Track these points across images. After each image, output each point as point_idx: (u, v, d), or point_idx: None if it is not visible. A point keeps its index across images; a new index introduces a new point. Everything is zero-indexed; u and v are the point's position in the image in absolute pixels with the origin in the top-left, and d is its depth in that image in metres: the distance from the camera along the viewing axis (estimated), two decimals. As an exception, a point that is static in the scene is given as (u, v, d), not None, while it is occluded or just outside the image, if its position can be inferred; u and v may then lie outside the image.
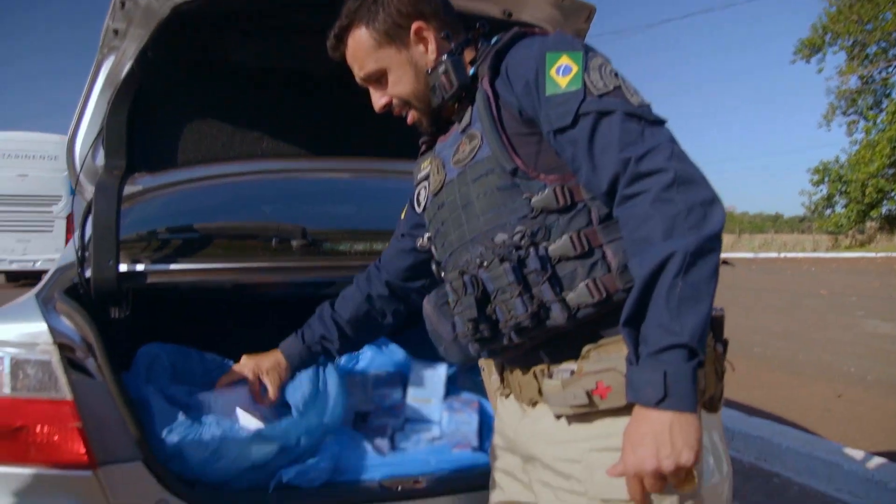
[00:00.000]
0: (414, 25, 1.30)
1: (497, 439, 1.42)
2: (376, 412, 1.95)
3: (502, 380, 1.36)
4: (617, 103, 1.10)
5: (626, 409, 1.08)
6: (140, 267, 1.86)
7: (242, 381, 2.04)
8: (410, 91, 1.33)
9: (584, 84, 1.12)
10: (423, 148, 1.44)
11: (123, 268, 1.83)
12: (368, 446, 1.74)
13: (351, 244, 2.08)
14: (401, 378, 2.01)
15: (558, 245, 1.14)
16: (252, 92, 2.16)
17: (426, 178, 1.37)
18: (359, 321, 1.72)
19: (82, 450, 1.46)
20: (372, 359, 2.04)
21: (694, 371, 0.99)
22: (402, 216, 1.65)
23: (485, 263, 1.18)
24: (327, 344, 1.74)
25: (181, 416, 1.65)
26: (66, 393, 1.47)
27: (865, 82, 27.79)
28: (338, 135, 2.24)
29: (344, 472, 1.65)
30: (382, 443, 1.77)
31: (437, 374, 1.96)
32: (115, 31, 1.81)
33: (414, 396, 1.96)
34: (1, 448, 1.46)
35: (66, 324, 1.54)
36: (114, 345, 1.80)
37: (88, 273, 1.78)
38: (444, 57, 1.28)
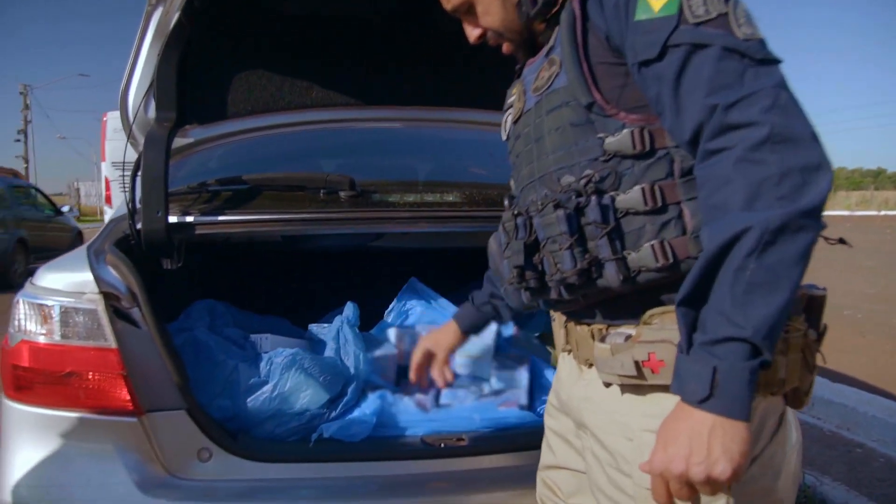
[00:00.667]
0: None
1: (552, 398, 1.31)
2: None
3: (566, 334, 1.22)
4: (716, 35, 0.90)
5: None
6: (190, 218, 1.86)
7: (294, 329, 2.06)
8: (500, 21, 1.19)
9: (681, 9, 0.92)
10: (517, 73, 1.27)
11: (173, 219, 1.83)
12: (412, 402, 1.70)
13: (401, 195, 2.01)
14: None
15: (628, 196, 0.98)
16: (301, 40, 2.11)
17: (511, 105, 1.22)
18: None
19: (127, 396, 1.49)
20: (422, 314, 2.00)
21: (752, 372, 0.83)
22: None
23: (540, 207, 1.05)
24: (496, 301, 1.51)
25: (234, 354, 1.69)
26: (111, 341, 1.50)
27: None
28: (389, 83, 2.17)
29: (386, 428, 1.63)
30: (427, 399, 1.73)
31: (488, 331, 1.88)
32: (162, -19, 1.79)
33: (463, 352, 1.90)
34: (51, 392, 1.50)
35: (112, 274, 1.56)
36: (166, 296, 1.84)
37: (139, 225, 1.80)
38: None
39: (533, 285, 1.09)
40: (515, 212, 1.11)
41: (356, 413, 1.62)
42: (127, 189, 1.85)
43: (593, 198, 0.99)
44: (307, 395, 1.60)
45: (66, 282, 1.54)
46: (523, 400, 1.80)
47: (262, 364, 1.66)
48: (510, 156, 1.24)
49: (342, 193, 1.97)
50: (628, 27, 0.96)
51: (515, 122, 1.17)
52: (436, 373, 1.61)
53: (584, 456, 1.15)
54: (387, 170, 2.35)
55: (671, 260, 0.96)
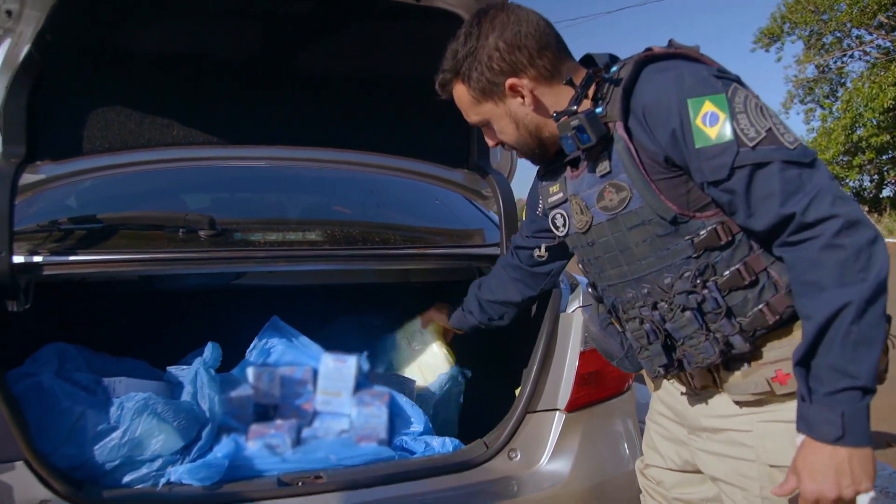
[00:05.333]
0: (508, 83, 1.30)
1: (663, 410, 1.50)
2: (284, 407, 1.92)
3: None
4: (773, 152, 1.10)
5: None
6: (38, 258, 1.79)
7: (152, 371, 2.02)
8: (513, 140, 1.38)
9: (736, 135, 1.11)
10: (542, 172, 1.49)
11: (20, 259, 1.76)
12: (268, 442, 1.71)
13: (263, 234, 2.03)
14: (311, 373, 1.97)
15: (727, 279, 1.20)
16: (162, 77, 2.08)
17: (560, 204, 1.41)
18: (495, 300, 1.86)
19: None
20: (283, 353, 2.00)
21: (867, 407, 1.07)
22: (523, 217, 1.76)
23: (667, 316, 1.25)
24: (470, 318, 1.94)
25: (81, 400, 1.63)
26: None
27: (822, 71, 28.32)
28: (252, 122, 2.18)
29: (241, 470, 1.63)
30: (284, 439, 1.74)
31: (348, 367, 1.94)
32: (9, 13, 1.73)
33: (324, 390, 1.93)
34: None
35: None
36: (15, 340, 1.76)
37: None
38: (576, 109, 1.26)
39: (675, 372, 1.33)
40: (639, 320, 1.30)
41: (207, 457, 1.61)
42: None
43: (705, 292, 1.21)
44: (160, 441, 1.58)
45: None
46: (382, 435, 1.85)
47: (113, 409, 1.62)
48: (579, 253, 1.43)
49: (202, 233, 1.96)
50: (690, 154, 1.15)
51: (585, 231, 1.34)
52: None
53: (697, 455, 1.39)
54: (251, 208, 2.35)
55: (778, 316, 1.19)
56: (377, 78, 2.20)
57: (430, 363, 2.12)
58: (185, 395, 1.76)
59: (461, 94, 1.37)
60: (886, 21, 25.27)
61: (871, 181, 27.62)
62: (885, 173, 27.33)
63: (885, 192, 28.17)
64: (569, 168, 1.37)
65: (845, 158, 25.94)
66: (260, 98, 2.15)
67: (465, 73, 1.32)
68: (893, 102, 23.40)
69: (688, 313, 1.22)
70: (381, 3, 1.86)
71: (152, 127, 2.10)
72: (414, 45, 2.11)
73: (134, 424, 1.57)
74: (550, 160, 1.42)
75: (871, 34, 26.44)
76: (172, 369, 1.95)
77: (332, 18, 2.00)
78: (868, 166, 26.59)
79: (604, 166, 1.25)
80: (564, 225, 1.42)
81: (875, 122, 24.94)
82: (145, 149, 2.11)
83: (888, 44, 25.68)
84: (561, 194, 1.40)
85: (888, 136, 24.73)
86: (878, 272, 1.06)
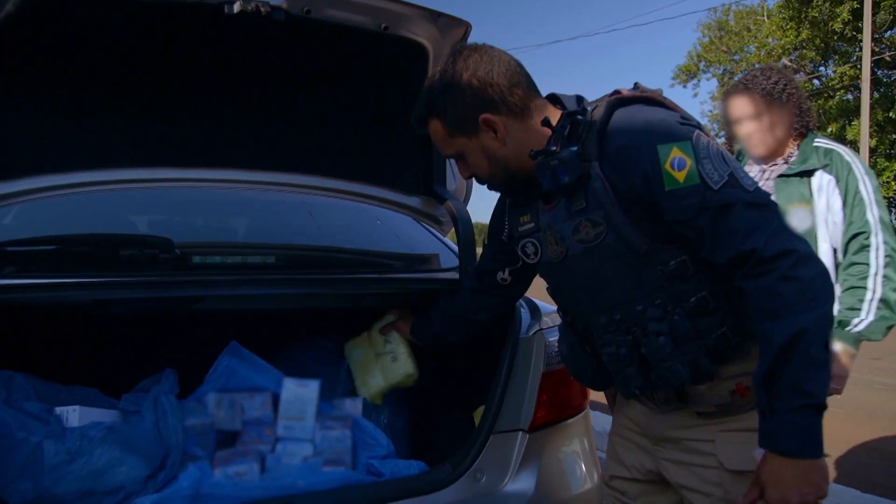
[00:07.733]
0: (481, 117, 1.39)
1: (627, 423, 1.59)
2: (245, 434, 1.88)
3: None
4: (735, 195, 1.23)
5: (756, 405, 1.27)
6: None
7: (105, 399, 1.94)
8: (486, 173, 1.47)
9: (702, 178, 1.23)
10: (511, 201, 1.58)
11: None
12: (234, 470, 1.67)
13: (223, 258, 1.99)
14: (272, 398, 1.94)
15: (694, 305, 1.30)
16: (112, 94, 1.99)
17: (531, 234, 1.49)
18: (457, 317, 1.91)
19: None
20: (242, 378, 1.96)
21: (821, 423, 1.17)
22: (485, 242, 1.80)
23: (641, 341, 1.34)
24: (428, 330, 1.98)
25: (37, 430, 1.55)
26: None
27: (734, 108, 29.97)
28: (208, 144, 2.13)
29: (207, 499, 1.58)
30: (250, 466, 1.71)
31: (310, 392, 1.92)
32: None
33: (286, 415, 1.90)
34: None
35: None
36: None
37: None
38: (555, 150, 1.34)
39: (649, 392, 1.41)
40: (616, 345, 1.38)
41: (172, 486, 1.56)
42: None
43: (675, 318, 1.31)
44: (123, 471, 1.53)
45: None
46: (348, 459, 1.83)
47: (74, 439, 1.54)
48: (550, 280, 1.53)
49: (160, 256, 1.90)
50: (660, 195, 1.26)
51: (559, 262, 1.43)
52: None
53: (662, 464, 1.49)
54: (207, 232, 2.29)
55: (738, 337, 1.31)
56: (337, 103, 2.21)
57: (392, 368, 2.10)
58: (146, 423, 1.70)
59: (436, 129, 1.46)
60: (790, 64, 27.01)
61: (780, 212, 29.27)
62: (793, 204, 28.93)
63: (793, 223, 29.79)
64: (541, 200, 1.45)
65: (756, 190, 27.41)
66: (216, 119, 2.11)
67: (441, 109, 1.42)
68: (798, 139, 24.84)
69: (661, 338, 1.31)
70: (347, 28, 1.87)
71: (104, 146, 2.02)
72: (376, 72, 2.13)
73: (96, 454, 1.50)
74: (521, 192, 1.50)
75: (776, 75, 28.16)
76: (128, 397, 1.88)
77: (295, 41, 1.99)
78: (777, 198, 28.12)
79: (579, 202, 1.34)
80: (536, 253, 1.50)
81: (782, 157, 26.42)
82: (95, 169, 2.02)
83: (792, 84, 27.36)
84: (532, 224, 1.48)
85: (794, 170, 26.22)
86: (826, 301, 1.19)
